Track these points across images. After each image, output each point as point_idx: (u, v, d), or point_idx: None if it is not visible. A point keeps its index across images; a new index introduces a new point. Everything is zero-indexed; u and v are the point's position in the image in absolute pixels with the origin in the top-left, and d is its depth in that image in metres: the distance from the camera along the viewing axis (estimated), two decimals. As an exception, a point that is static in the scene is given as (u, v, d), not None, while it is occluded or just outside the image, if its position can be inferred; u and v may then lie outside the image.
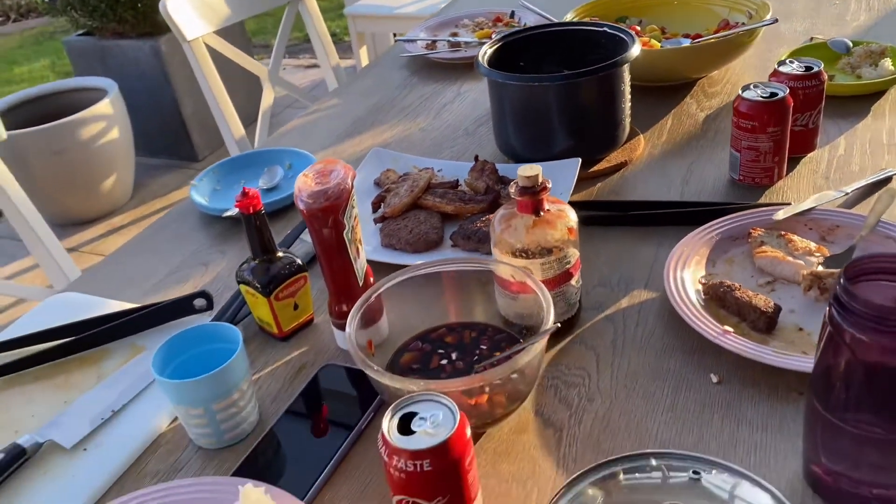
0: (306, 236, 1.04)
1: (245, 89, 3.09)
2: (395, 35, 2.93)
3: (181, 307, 0.93)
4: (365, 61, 3.21)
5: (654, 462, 0.67)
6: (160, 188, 3.25)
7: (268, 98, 1.98)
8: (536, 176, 0.77)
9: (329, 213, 0.77)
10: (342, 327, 0.85)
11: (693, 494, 0.63)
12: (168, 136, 3.35)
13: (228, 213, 1.12)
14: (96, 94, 3.02)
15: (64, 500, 0.72)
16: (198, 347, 0.78)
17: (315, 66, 4.34)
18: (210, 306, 0.93)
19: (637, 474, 0.66)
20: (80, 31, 3.34)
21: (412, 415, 0.60)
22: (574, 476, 0.66)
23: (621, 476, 0.66)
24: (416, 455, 0.57)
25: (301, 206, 0.77)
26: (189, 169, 3.36)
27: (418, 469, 0.57)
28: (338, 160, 0.80)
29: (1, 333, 0.95)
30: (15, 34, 5.51)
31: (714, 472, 0.65)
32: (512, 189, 0.78)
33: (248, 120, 2.22)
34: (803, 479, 0.65)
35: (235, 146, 1.88)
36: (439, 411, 0.60)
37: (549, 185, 0.78)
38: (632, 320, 0.85)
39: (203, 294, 0.93)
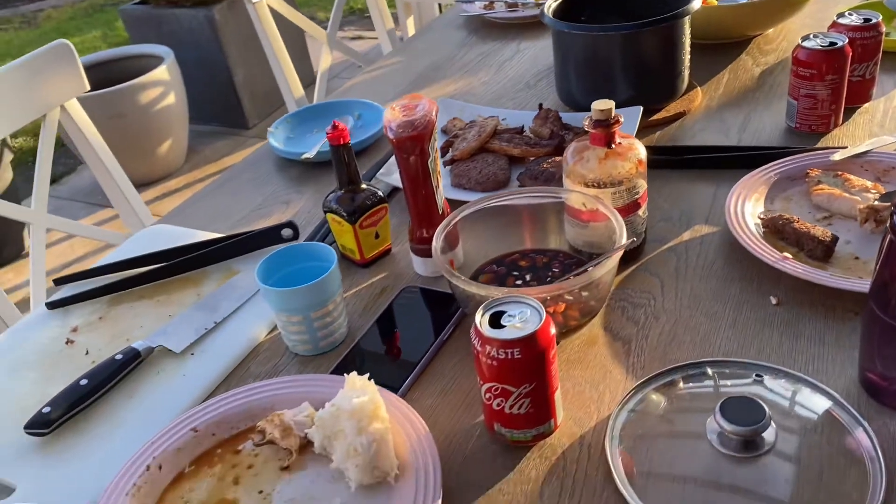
0: (382, 176, 1.11)
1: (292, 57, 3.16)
2: (439, 4, 2.97)
3: (270, 236, 1.00)
4: (412, 31, 3.26)
5: (716, 370, 0.73)
6: (212, 154, 3.35)
7: (326, 61, 2.05)
8: (609, 109, 0.82)
9: (416, 142, 0.83)
10: (421, 253, 0.92)
11: (755, 397, 0.69)
12: (219, 103, 3.44)
13: (306, 156, 1.19)
14: (153, 62, 3.12)
15: (178, 396, 0.80)
16: (294, 265, 0.86)
17: (359, 37, 4.40)
18: (296, 236, 1.00)
19: (699, 381, 0.72)
20: (136, 0, 3.44)
21: (501, 313, 0.67)
22: (642, 380, 0.73)
23: (681, 384, 0.72)
24: (507, 344, 0.64)
25: (391, 135, 0.83)
26: (239, 136, 3.46)
27: (509, 357, 0.64)
28: (421, 95, 0.86)
29: (103, 258, 1.04)
30: (66, 6, 5.65)
31: (775, 377, 0.71)
32: (586, 122, 0.84)
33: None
34: (859, 384, 0.70)
35: (294, 105, 1.95)
36: (526, 309, 0.66)
37: (622, 120, 0.83)
38: (693, 251, 0.90)
39: (290, 224, 1.00)
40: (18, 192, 2.78)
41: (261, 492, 0.68)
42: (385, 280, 0.95)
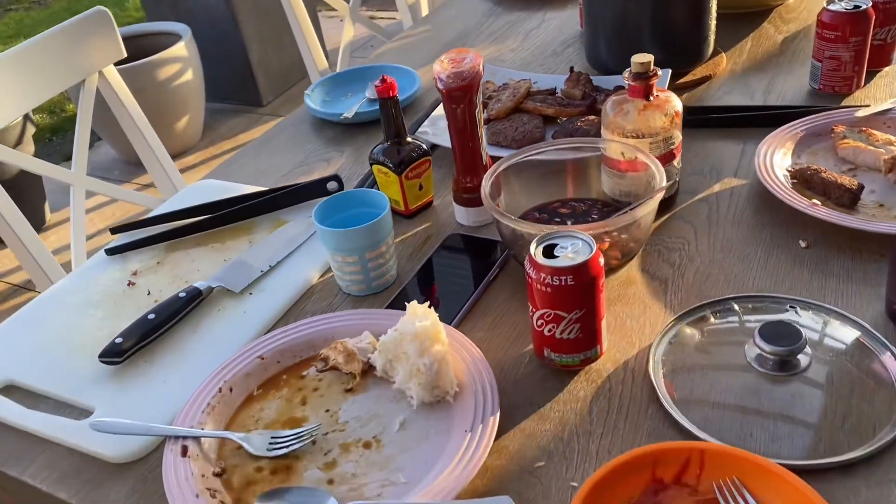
0: (421, 133, 1.16)
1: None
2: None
3: (317, 188, 1.05)
4: (425, 10, 3.29)
5: (751, 304, 0.78)
6: (227, 131, 3.39)
7: (348, 34, 2.08)
8: (649, 62, 0.86)
9: (465, 92, 0.88)
10: (465, 202, 0.96)
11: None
12: (235, 81, 3.47)
13: (345, 116, 1.23)
14: (170, 39, 3.15)
15: (239, 330, 0.85)
16: (347, 211, 0.90)
17: (373, 17, 4.42)
18: (341, 189, 1.05)
19: (735, 313, 0.77)
20: (152, -22, 3.46)
21: (553, 246, 0.72)
22: (681, 313, 0.77)
23: (718, 316, 0.77)
24: (561, 272, 0.68)
25: (440, 85, 0.88)
26: (254, 113, 3.49)
27: (563, 283, 0.68)
28: (468, 49, 0.91)
29: (157, 209, 1.09)
30: (77, -14, 5.66)
31: (807, 309, 0.76)
32: (625, 75, 0.88)
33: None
34: (886, 315, 0.75)
35: (318, 76, 1.99)
36: (578, 241, 0.71)
37: (660, 73, 0.88)
38: (724, 201, 0.95)
39: (335, 178, 1.05)
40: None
41: (327, 410, 0.73)
42: (428, 230, 0.99)
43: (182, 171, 3.24)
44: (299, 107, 1.35)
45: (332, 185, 1.05)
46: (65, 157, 3.23)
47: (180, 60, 3.05)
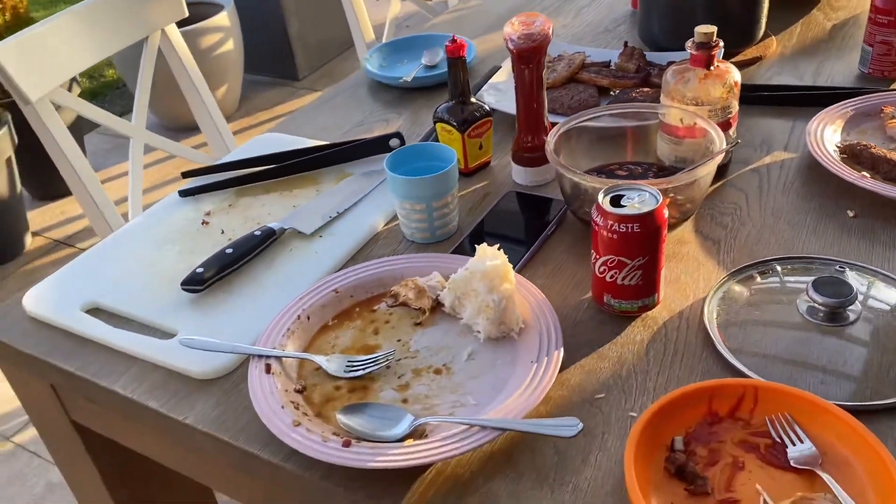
0: (479, 98, 1.20)
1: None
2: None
3: (380, 144, 1.09)
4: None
5: (802, 264, 0.82)
6: (263, 102, 3.44)
7: (395, 8, 2.12)
8: (712, 33, 0.90)
9: (534, 53, 0.92)
10: (525, 161, 1.01)
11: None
12: (272, 54, 3.52)
13: (404, 80, 1.28)
14: (213, 9, 3.20)
15: (312, 268, 0.90)
16: (415, 163, 0.95)
17: (406, -1, 4.45)
18: (403, 145, 1.10)
19: (786, 273, 0.81)
20: (196, -51, 3.51)
21: (619, 197, 0.76)
22: (734, 269, 0.82)
23: (770, 274, 0.81)
24: (628, 219, 0.73)
25: (511, 45, 0.92)
26: (290, 87, 3.55)
27: (629, 230, 0.73)
28: (538, 13, 0.95)
29: (226, 156, 1.14)
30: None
31: (855, 271, 0.80)
32: (688, 44, 0.92)
33: (347, 43, 2.33)
34: (931, 280, 0.79)
35: (365, 49, 2.03)
36: (644, 193, 0.75)
37: (722, 45, 0.91)
38: (775, 172, 0.99)
39: (397, 135, 1.10)
40: (82, 127, 2.89)
41: (399, 340, 0.78)
42: (486, 188, 1.04)
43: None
44: (335, 81, 1.40)
45: (394, 141, 1.10)
46: (105, 121, 3.28)
47: (222, 30, 3.11)
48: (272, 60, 3.55)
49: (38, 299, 0.90)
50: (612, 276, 0.76)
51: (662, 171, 0.96)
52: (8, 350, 0.88)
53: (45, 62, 1.28)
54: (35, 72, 1.26)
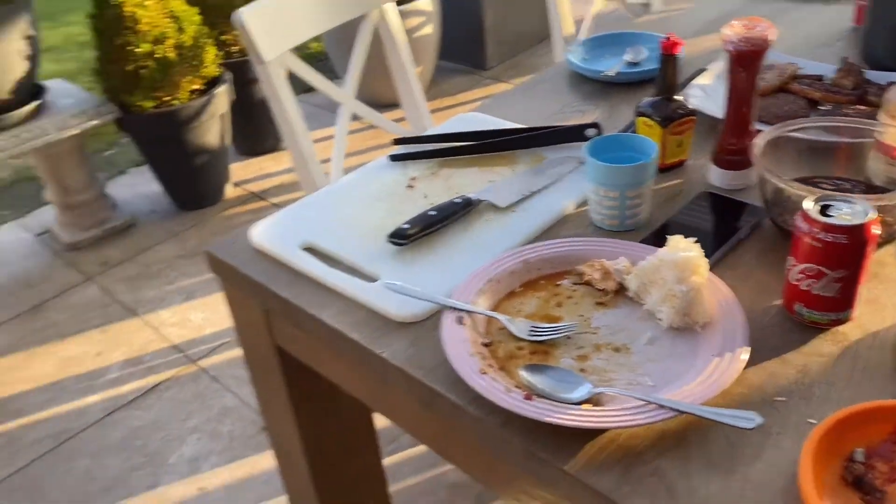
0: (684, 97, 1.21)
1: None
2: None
3: (576, 132, 1.14)
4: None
5: None
6: (451, 88, 3.58)
7: (598, 5, 2.15)
8: (951, 52, 0.86)
9: (753, 57, 0.92)
10: (725, 164, 1.01)
11: None
12: (465, 42, 3.65)
13: (606, 73, 1.31)
14: (417, -7, 3.37)
15: (505, 238, 0.96)
16: (614, 152, 0.98)
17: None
18: (599, 135, 1.13)
19: None
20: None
21: (827, 206, 0.75)
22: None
23: None
24: (836, 229, 0.72)
25: (730, 47, 0.93)
26: (477, 75, 3.66)
27: (835, 241, 0.72)
28: (761, 17, 0.95)
29: (432, 129, 1.23)
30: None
31: None
32: (922, 62, 0.88)
33: (538, 37, 2.36)
34: None
35: (562, 42, 2.08)
36: (855, 205, 0.74)
37: (960, 64, 0.87)
38: None
39: (595, 125, 1.13)
40: (287, 93, 3.15)
41: (581, 315, 0.83)
42: (679, 186, 1.05)
43: (403, 119, 3.50)
44: (522, 73, 1.45)
45: (590, 131, 1.13)
46: (307, 89, 3.54)
47: (424, 14, 3.26)
48: (464, 48, 3.68)
49: (263, 233, 1.03)
50: (808, 285, 0.76)
51: (872, 189, 0.93)
52: (233, 273, 1.01)
53: (281, 27, 1.43)
54: (272, 34, 1.41)
